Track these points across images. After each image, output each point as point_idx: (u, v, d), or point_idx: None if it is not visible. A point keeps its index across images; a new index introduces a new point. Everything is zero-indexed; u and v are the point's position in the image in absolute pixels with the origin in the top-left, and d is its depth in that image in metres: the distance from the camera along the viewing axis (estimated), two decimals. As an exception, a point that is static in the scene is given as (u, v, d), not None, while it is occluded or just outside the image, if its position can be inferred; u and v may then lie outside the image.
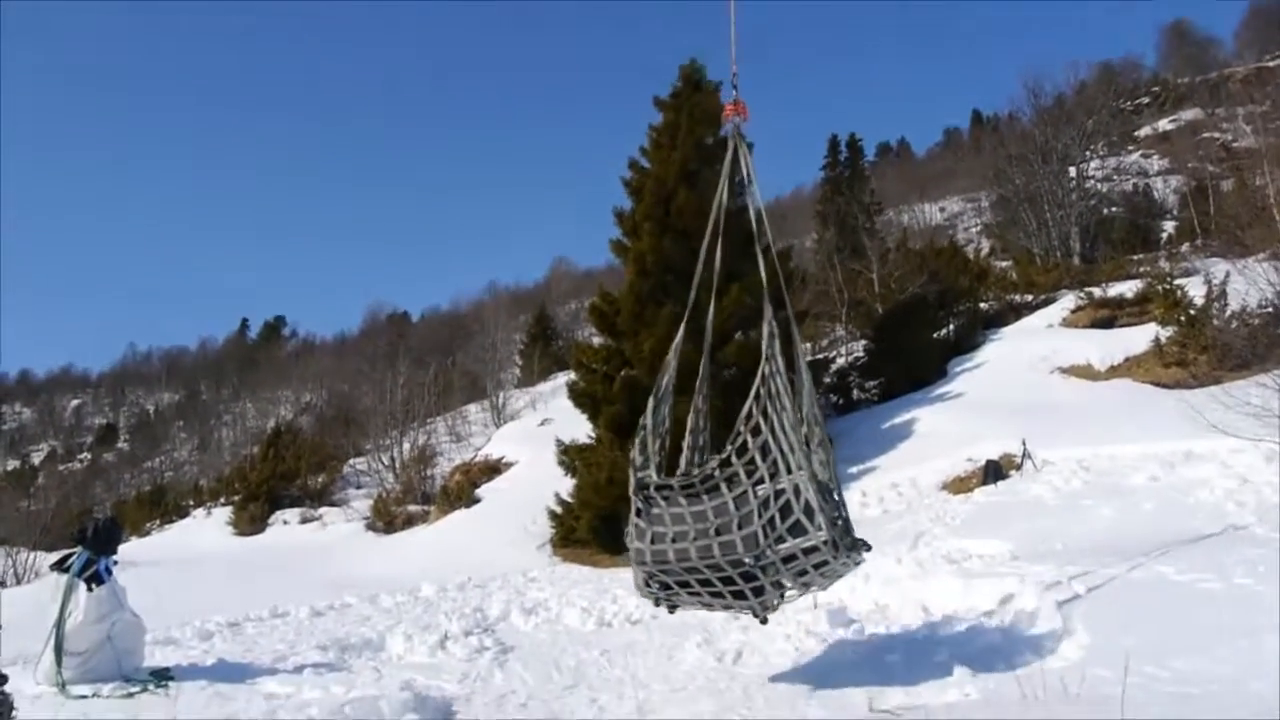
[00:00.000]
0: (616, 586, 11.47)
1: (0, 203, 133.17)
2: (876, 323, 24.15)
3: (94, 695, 5.96)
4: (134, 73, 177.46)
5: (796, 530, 5.20)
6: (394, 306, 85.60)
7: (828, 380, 22.66)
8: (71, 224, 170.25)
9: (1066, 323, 23.13)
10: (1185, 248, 31.87)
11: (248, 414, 61.26)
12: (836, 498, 5.54)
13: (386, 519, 24.06)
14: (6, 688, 3.71)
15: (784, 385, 5.58)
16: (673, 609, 6.02)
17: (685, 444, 6.13)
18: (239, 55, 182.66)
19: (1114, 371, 18.54)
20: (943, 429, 17.47)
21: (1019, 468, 14.30)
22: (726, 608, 5.79)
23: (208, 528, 29.74)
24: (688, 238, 17.49)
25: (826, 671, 5.88)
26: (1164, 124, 59.00)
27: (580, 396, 18.44)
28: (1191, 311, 17.55)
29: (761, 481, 5.47)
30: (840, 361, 24.54)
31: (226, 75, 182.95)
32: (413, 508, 24.41)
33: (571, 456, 18.04)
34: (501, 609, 9.89)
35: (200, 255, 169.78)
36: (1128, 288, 23.23)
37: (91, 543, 6.66)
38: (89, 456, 79.51)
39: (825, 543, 5.10)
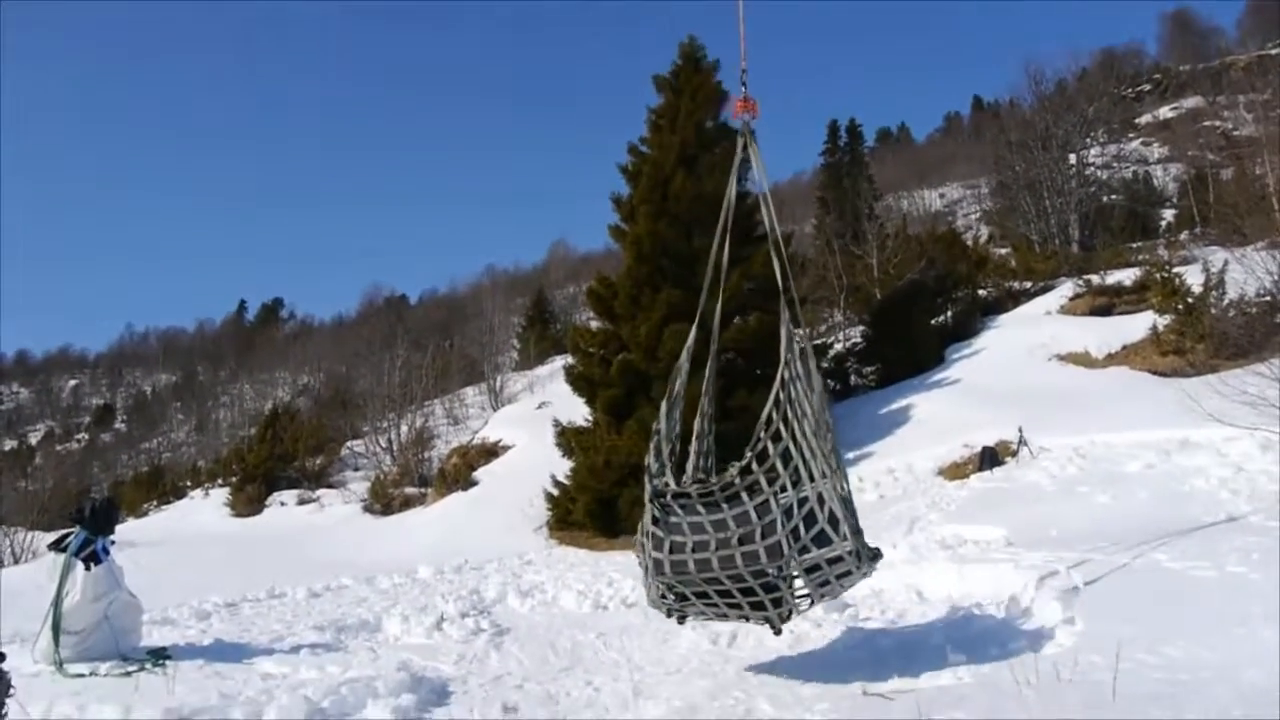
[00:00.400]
0: (612, 569, 11.52)
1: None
2: (875, 309, 24.13)
3: (91, 674, 5.98)
4: (125, 48, 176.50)
5: (821, 540, 5.11)
6: (392, 289, 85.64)
7: (825, 366, 22.67)
8: (70, 197, 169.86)
9: (1064, 310, 23.10)
10: (1184, 236, 31.88)
11: (245, 395, 61.29)
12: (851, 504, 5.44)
13: (384, 501, 24.11)
14: (4, 665, 3.72)
15: (804, 390, 5.48)
16: (682, 620, 5.89)
17: (692, 448, 5.98)
18: (237, 32, 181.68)
19: (1111, 359, 18.54)
20: (940, 415, 17.49)
21: (1015, 454, 14.32)
22: (742, 618, 5.64)
23: (205, 509, 29.79)
24: (685, 223, 17.49)
25: (820, 655, 5.91)
26: (1165, 112, 58.86)
27: (577, 380, 18.47)
28: (1189, 300, 17.53)
29: (784, 489, 5.39)
30: (838, 347, 24.53)
31: (222, 50, 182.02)
32: (410, 490, 24.46)
33: (569, 439, 18.07)
34: (498, 591, 9.93)
35: (197, 236, 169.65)
36: (1126, 276, 23.18)
37: (89, 523, 6.67)
38: (86, 437, 79.61)
39: (850, 553, 5.03)
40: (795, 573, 5.22)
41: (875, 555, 5.19)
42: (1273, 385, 9.15)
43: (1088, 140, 37.89)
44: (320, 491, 27.88)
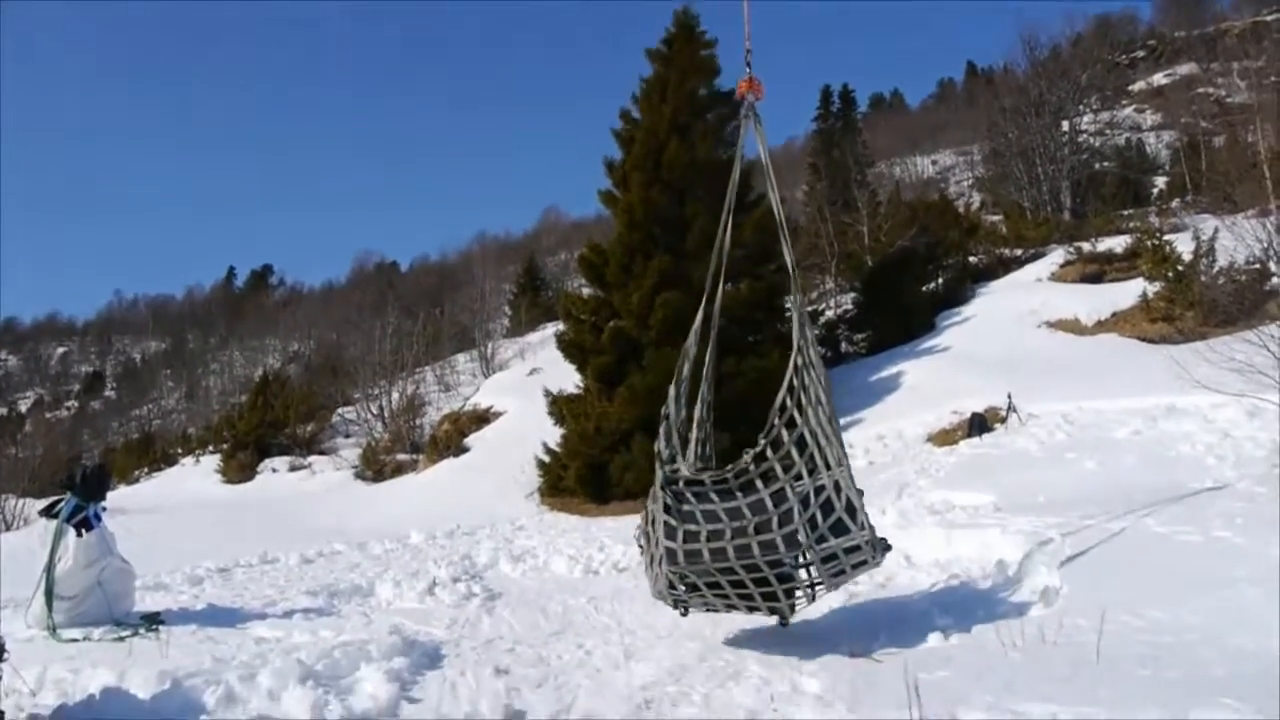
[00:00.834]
0: (603, 535, 11.59)
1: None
2: (866, 275, 24.14)
3: (85, 639, 6.00)
4: (116, 22, 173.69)
5: (838, 528, 5.03)
6: (382, 256, 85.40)
7: (816, 333, 22.68)
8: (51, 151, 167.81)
9: (1055, 277, 23.15)
10: (1175, 203, 31.86)
11: (235, 362, 61.06)
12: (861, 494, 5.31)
13: (375, 468, 24.19)
14: (-2, 630, 3.74)
15: (818, 377, 5.39)
16: (686, 611, 5.72)
17: (692, 435, 5.85)
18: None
19: (1101, 326, 18.62)
20: (929, 382, 17.57)
21: (1004, 421, 14.41)
22: (752, 609, 5.44)
23: (196, 476, 29.85)
24: (678, 190, 17.40)
25: (808, 618, 5.95)
26: (1158, 78, 58.63)
27: (569, 347, 18.47)
28: (1179, 267, 17.59)
29: (799, 477, 5.28)
30: (829, 314, 24.57)
31: (213, 22, 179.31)
32: (401, 456, 24.54)
33: (560, 406, 18.10)
34: (490, 556, 9.98)
35: (186, 202, 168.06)
36: (1117, 243, 23.22)
37: (80, 489, 6.67)
38: (76, 404, 79.33)
39: (867, 542, 4.97)
40: (811, 561, 5.16)
41: (886, 546, 5.12)
42: (1260, 352, 9.18)
43: (1081, 107, 37.75)
44: (311, 458, 27.96)
